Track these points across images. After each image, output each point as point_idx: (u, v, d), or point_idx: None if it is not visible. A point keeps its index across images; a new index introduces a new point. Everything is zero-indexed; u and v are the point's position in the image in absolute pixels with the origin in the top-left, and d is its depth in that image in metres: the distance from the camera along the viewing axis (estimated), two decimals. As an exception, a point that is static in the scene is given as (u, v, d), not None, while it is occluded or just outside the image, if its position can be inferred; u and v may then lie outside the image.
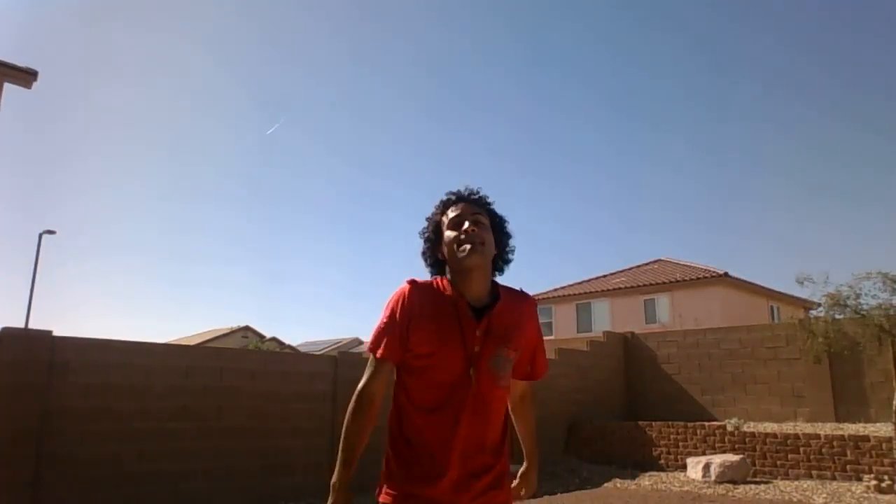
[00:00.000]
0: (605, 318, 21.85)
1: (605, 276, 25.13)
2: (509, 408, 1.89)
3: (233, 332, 33.05)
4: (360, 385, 1.75)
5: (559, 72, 48.57)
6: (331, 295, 63.61)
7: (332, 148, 57.11)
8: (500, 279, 1.85)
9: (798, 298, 21.18)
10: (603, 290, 23.04)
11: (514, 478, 1.96)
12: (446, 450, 1.65)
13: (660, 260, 25.08)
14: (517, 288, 1.84)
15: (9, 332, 6.14)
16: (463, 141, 52.06)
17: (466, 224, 1.72)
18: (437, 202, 1.84)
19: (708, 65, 44.43)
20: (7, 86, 8.62)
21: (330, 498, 1.71)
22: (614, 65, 48.05)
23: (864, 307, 8.99)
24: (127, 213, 53.57)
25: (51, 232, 21.96)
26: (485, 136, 52.78)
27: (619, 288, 22.70)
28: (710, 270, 21.15)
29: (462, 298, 1.70)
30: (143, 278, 53.96)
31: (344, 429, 1.77)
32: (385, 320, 1.72)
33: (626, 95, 47.59)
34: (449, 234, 1.75)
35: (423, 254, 1.83)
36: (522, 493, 1.98)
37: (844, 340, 9.79)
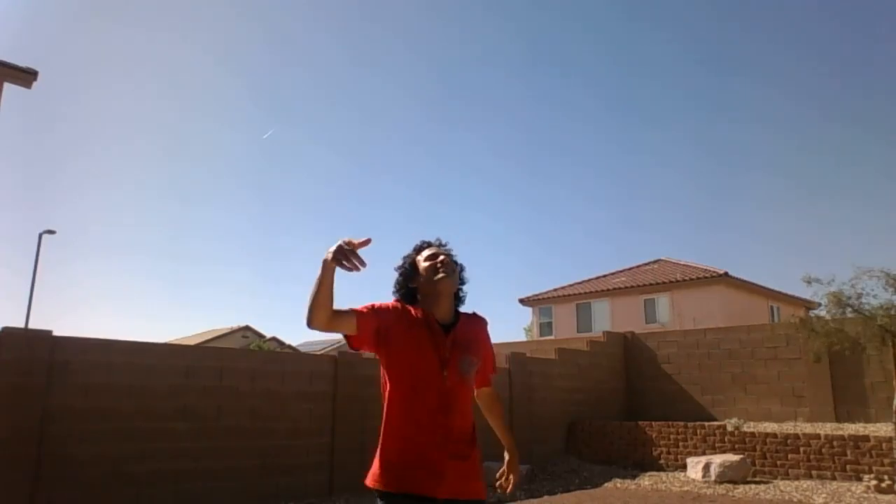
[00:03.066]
0: (605, 318, 21.84)
1: (605, 276, 25.12)
2: (484, 410, 2.38)
3: (233, 332, 33.05)
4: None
5: (559, 72, 48.61)
6: (330, 295, 63.41)
7: (332, 148, 57.13)
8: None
9: (798, 298, 21.19)
10: (603, 290, 23.03)
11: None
12: (427, 436, 1.99)
13: (660, 260, 25.07)
14: (471, 311, 2.30)
15: (9, 332, 6.13)
16: (463, 141, 52.10)
17: (442, 256, 2.16)
18: (411, 249, 2.25)
19: (708, 65, 44.46)
20: (7, 86, 8.63)
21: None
22: (614, 64, 48.07)
23: (866, 306, 8.97)
24: (127, 213, 53.59)
25: (51, 232, 21.97)
26: (485, 135, 52.81)
27: (619, 288, 22.69)
28: (710, 270, 21.14)
29: (432, 316, 2.11)
30: (143, 278, 53.97)
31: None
32: (373, 303, 2.09)
33: (626, 95, 47.62)
34: (426, 264, 2.16)
35: (397, 284, 2.21)
36: (512, 478, 2.35)
37: (846, 340, 9.78)
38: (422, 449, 1.98)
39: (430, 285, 2.13)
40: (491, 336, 2.33)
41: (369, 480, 2.04)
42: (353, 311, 1.99)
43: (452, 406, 2.04)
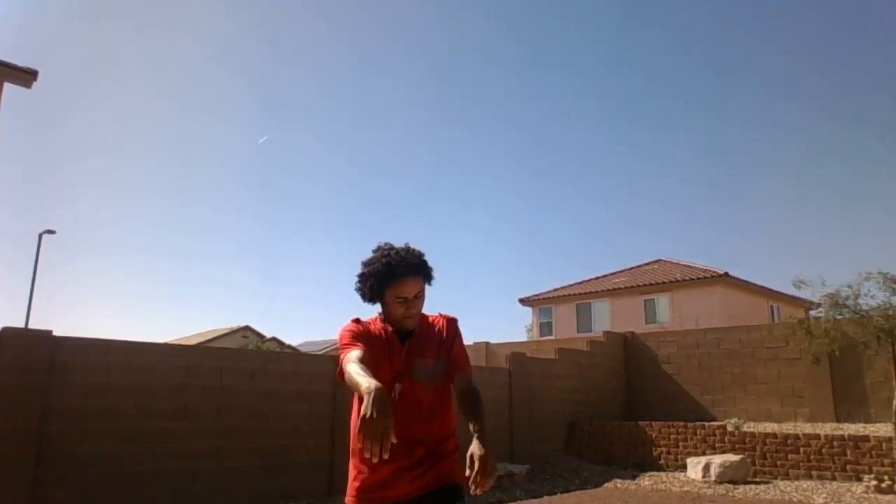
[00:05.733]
0: (605, 318, 21.83)
1: (605, 276, 25.11)
2: (456, 400, 2.21)
3: (233, 332, 33.05)
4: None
5: (559, 72, 48.61)
6: (331, 295, 63.66)
7: (332, 148, 57.13)
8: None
9: (798, 298, 21.15)
10: (603, 290, 23.03)
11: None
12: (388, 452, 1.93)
13: (660, 260, 25.06)
14: (443, 313, 2.29)
15: (9, 332, 6.13)
16: (463, 141, 52.10)
17: (414, 309, 2.13)
18: (376, 257, 2.14)
19: (708, 65, 44.46)
20: (7, 86, 8.62)
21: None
22: (615, 65, 48.07)
23: (864, 307, 8.99)
24: (127, 213, 53.60)
25: (51, 232, 21.97)
26: (485, 135, 52.81)
27: (619, 288, 22.68)
28: (710, 270, 21.14)
29: (390, 330, 2.16)
30: (143, 278, 53.99)
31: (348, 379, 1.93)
32: (344, 342, 2.12)
33: (627, 95, 47.63)
34: (395, 304, 2.11)
35: (362, 294, 2.17)
36: (480, 474, 1.88)
37: (844, 341, 9.78)
38: (380, 465, 1.96)
39: (396, 323, 2.16)
40: (462, 332, 2.28)
41: (346, 498, 2.12)
42: (364, 352, 2.02)
43: (412, 415, 2.04)
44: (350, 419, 2.05)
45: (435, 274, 2.21)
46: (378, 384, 1.74)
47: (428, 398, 2.11)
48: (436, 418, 2.12)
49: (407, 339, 2.17)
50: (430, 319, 2.26)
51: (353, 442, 2.02)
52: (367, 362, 1.95)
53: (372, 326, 2.19)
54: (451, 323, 2.27)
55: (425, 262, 2.18)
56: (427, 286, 2.20)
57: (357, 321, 2.22)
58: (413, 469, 2.04)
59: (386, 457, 1.63)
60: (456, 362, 2.20)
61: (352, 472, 2.12)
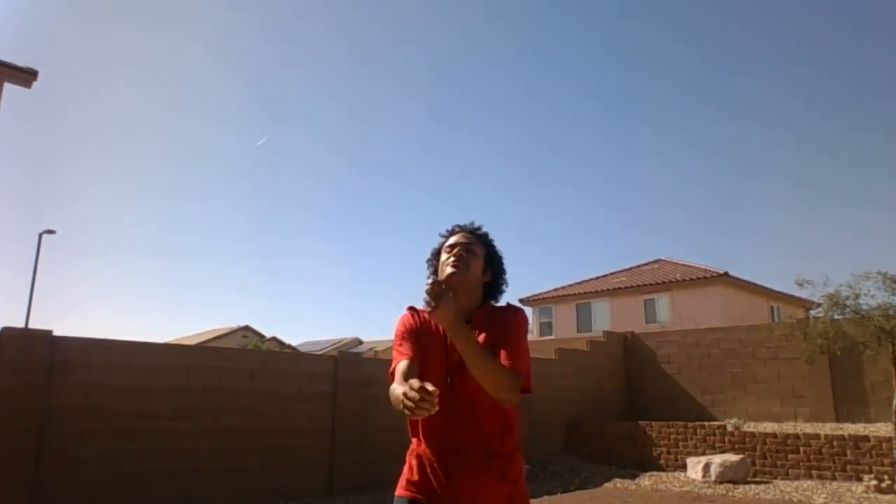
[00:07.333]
0: (605, 318, 21.84)
1: (605, 276, 25.12)
2: None
3: (233, 332, 33.08)
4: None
5: (559, 71, 48.62)
6: (331, 295, 63.65)
7: (333, 148, 57.13)
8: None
9: (798, 298, 21.15)
10: (603, 290, 23.03)
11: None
12: (438, 449, 1.90)
13: (660, 260, 25.07)
14: (505, 304, 2.09)
15: (9, 332, 6.13)
16: (463, 140, 52.11)
17: (457, 249, 2.02)
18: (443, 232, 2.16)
19: (708, 64, 44.46)
20: (7, 86, 8.63)
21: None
22: (614, 64, 48.08)
23: (864, 307, 8.99)
24: (127, 213, 53.60)
25: (51, 232, 21.96)
26: (485, 135, 52.81)
27: (619, 288, 22.69)
28: (710, 270, 21.14)
29: None
30: (143, 278, 53.98)
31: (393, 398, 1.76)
32: (397, 342, 2.00)
33: (627, 95, 47.63)
34: (443, 257, 2.06)
35: (428, 279, 2.01)
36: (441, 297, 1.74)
37: (844, 341, 9.79)
38: (430, 462, 1.90)
39: (444, 280, 1.98)
40: (527, 325, 2.05)
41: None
42: (411, 361, 1.88)
43: (464, 413, 1.87)
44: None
45: (493, 240, 2.14)
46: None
47: (482, 398, 1.84)
48: (486, 422, 1.88)
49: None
50: (495, 309, 2.05)
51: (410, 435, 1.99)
52: (415, 372, 1.81)
53: (427, 315, 1.95)
54: (511, 310, 2.03)
55: (478, 227, 2.15)
56: (484, 250, 2.09)
57: (412, 310, 2.07)
58: (457, 464, 1.87)
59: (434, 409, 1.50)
60: (503, 352, 1.87)
61: (406, 467, 1.98)
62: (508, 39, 48.97)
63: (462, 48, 49.52)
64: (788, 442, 9.49)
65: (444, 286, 1.78)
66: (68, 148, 52.72)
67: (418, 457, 1.94)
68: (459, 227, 2.15)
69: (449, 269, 1.98)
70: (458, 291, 1.94)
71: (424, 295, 1.75)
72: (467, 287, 2.00)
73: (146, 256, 54.76)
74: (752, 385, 12.50)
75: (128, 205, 53.64)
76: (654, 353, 13.89)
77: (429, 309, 1.74)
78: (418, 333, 1.97)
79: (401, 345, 1.97)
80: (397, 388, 1.70)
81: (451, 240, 2.08)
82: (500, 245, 2.17)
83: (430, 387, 1.49)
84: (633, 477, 9.88)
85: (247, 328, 33.80)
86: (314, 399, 8.14)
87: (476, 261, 2.03)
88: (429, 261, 2.15)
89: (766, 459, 9.61)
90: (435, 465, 1.89)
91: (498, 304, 2.09)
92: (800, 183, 45.28)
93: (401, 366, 1.87)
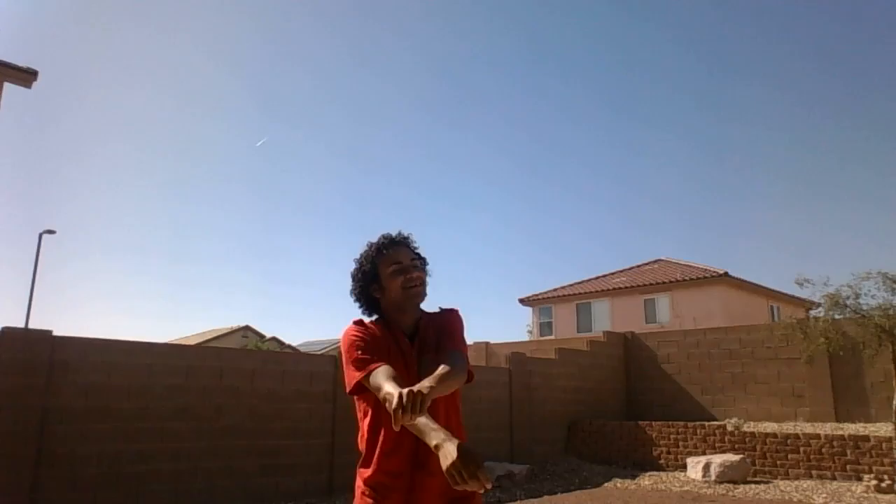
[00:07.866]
0: (605, 318, 21.84)
1: (605, 276, 25.12)
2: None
3: (233, 332, 33.04)
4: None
5: (559, 71, 48.61)
6: (331, 295, 63.68)
7: (332, 148, 57.14)
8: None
9: (798, 298, 21.14)
10: (603, 290, 23.03)
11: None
12: (400, 449, 1.86)
13: (660, 260, 25.07)
14: (438, 308, 2.11)
15: (9, 332, 6.14)
16: (463, 141, 52.09)
17: (414, 272, 2.00)
18: (368, 245, 2.06)
19: (708, 64, 44.47)
20: (7, 86, 8.63)
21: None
22: (614, 64, 48.06)
23: (864, 307, 8.99)
24: (127, 213, 53.59)
25: (51, 232, 21.97)
26: (485, 135, 52.80)
27: (619, 288, 22.69)
28: (710, 270, 21.15)
29: (398, 331, 1.99)
30: (143, 278, 53.93)
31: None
32: (357, 353, 1.89)
33: (627, 95, 47.62)
34: (394, 276, 1.98)
35: (359, 293, 2.04)
36: (464, 472, 1.44)
37: (844, 340, 9.79)
38: (391, 469, 1.87)
39: (403, 299, 1.98)
40: (463, 321, 2.08)
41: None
42: (382, 367, 1.81)
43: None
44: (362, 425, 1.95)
45: (424, 255, 2.08)
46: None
47: (441, 401, 1.84)
48: (450, 424, 1.86)
49: (415, 337, 1.99)
50: (433, 315, 2.08)
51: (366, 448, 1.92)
52: (399, 381, 1.73)
53: (377, 330, 1.98)
54: (448, 311, 2.09)
55: (416, 245, 2.09)
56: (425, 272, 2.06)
57: (360, 323, 2.00)
58: (417, 469, 1.87)
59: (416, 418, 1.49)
60: (448, 341, 1.95)
61: (364, 469, 1.93)
62: (508, 40, 49.03)
63: (462, 48, 49.55)
64: (788, 442, 9.49)
65: (424, 398, 1.52)
66: (68, 148, 52.75)
67: (373, 482, 1.87)
68: (392, 239, 2.06)
69: (417, 296, 2.00)
70: (415, 309, 2.03)
71: (396, 407, 1.48)
72: (419, 305, 2.05)
73: (146, 256, 54.77)
74: (752, 385, 12.50)
75: (127, 205, 53.68)
76: (654, 354, 13.89)
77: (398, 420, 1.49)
78: (376, 347, 1.91)
79: (368, 354, 1.86)
80: (393, 389, 1.63)
81: (394, 256, 2.01)
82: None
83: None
84: (633, 477, 9.89)
85: (247, 328, 33.77)
86: (314, 399, 8.14)
87: (426, 277, 2.06)
88: (361, 279, 2.02)
89: (766, 459, 9.61)
90: (398, 481, 1.85)
91: (431, 312, 2.09)
92: (800, 183, 45.32)
93: (384, 370, 1.78)
